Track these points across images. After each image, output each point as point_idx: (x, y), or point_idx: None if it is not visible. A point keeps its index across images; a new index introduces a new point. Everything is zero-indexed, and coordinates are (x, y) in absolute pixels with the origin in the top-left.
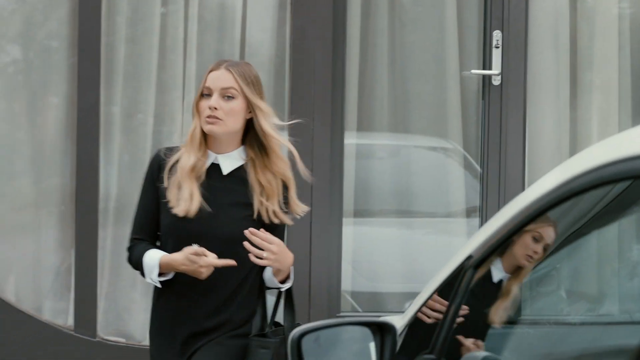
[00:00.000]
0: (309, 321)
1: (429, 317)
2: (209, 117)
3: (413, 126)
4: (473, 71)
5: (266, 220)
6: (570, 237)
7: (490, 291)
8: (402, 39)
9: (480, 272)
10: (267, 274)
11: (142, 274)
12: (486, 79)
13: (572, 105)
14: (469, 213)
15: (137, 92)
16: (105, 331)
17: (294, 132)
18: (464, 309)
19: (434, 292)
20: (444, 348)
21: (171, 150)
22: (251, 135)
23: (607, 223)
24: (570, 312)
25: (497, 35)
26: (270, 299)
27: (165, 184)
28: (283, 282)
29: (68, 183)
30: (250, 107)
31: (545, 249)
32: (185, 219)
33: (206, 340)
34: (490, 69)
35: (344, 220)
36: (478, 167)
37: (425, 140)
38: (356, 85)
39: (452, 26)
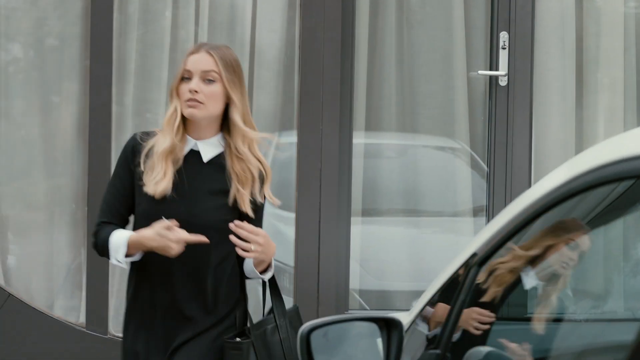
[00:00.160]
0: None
1: (476, 328)
2: (189, 100)
3: (421, 126)
4: (480, 72)
5: (242, 209)
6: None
7: (523, 297)
8: (410, 40)
9: (510, 278)
10: (248, 266)
11: (108, 256)
12: (493, 80)
13: (578, 105)
14: (475, 212)
15: (147, 91)
16: (117, 328)
17: (304, 133)
18: (490, 316)
19: (439, 290)
20: (449, 343)
21: (148, 134)
22: (229, 121)
23: (611, 221)
24: (576, 310)
25: (503, 36)
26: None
27: (142, 167)
28: (264, 272)
29: (80, 182)
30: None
31: (580, 256)
32: (162, 204)
33: (190, 333)
34: (497, 69)
35: (352, 219)
36: (485, 167)
37: (433, 140)
38: (364, 85)
39: (460, 27)
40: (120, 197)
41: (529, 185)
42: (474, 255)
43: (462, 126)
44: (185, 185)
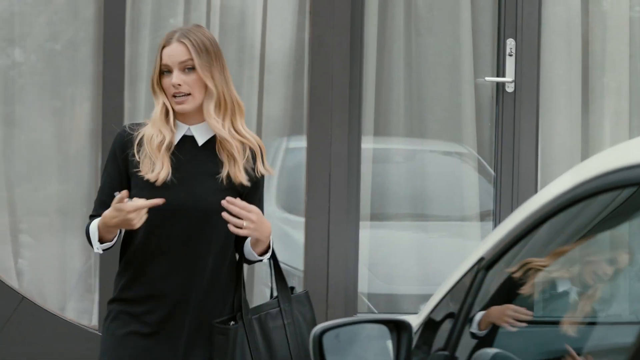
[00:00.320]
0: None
1: (513, 326)
2: (175, 95)
3: (428, 131)
4: (487, 78)
5: (237, 182)
6: (580, 240)
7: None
8: (418, 46)
9: (542, 277)
10: (247, 248)
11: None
12: (500, 86)
13: (585, 110)
14: (482, 217)
15: None
16: None
17: (313, 137)
18: (528, 314)
19: (447, 293)
20: (457, 345)
21: (138, 125)
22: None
23: (616, 227)
24: (581, 313)
25: (510, 43)
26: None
27: (137, 157)
28: (262, 254)
29: (91, 186)
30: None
31: (616, 272)
32: (161, 192)
33: (193, 320)
34: (503, 76)
35: (361, 223)
36: (492, 172)
37: (441, 145)
38: (373, 91)
39: (467, 34)
40: (110, 192)
41: (536, 190)
42: (481, 259)
43: (470, 131)
44: (183, 170)
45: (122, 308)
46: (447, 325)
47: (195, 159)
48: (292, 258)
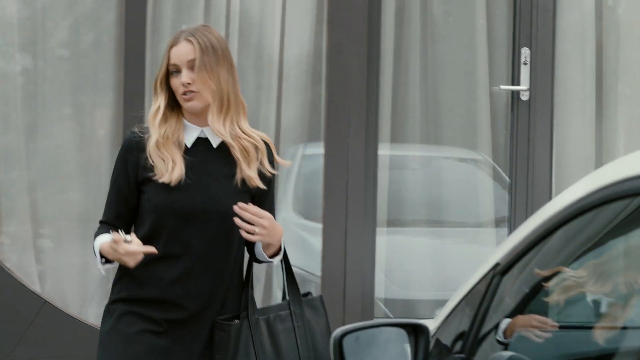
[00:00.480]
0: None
1: (538, 337)
2: (184, 93)
3: (444, 138)
4: (502, 87)
5: (252, 185)
6: (594, 246)
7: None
8: (434, 55)
9: (566, 287)
10: (258, 249)
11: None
12: (515, 94)
13: (598, 117)
14: (498, 223)
15: None
16: None
17: (331, 144)
18: (553, 324)
19: (463, 298)
20: (473, 349)
21: (144, 129)
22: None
23: (629, 233)
24: (597, 318)
25: (525, 52)
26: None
27: (150, 160)
28: (273, 256)
29: None
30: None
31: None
32: (176, 194)
33: (207, 320)
34: (518, 84)
35: (378, 229)
36: (507, 178)
37: (456, 152)
38: (390, 99)
39: (482, 43)
40: (119, 197)
41: (550, 197)
42: (496, 265)
43: (485, 138)
44: (198, 172)
45: (130, 308)
46: (463, 329)
47: (210, 161)
48: (309, 264)
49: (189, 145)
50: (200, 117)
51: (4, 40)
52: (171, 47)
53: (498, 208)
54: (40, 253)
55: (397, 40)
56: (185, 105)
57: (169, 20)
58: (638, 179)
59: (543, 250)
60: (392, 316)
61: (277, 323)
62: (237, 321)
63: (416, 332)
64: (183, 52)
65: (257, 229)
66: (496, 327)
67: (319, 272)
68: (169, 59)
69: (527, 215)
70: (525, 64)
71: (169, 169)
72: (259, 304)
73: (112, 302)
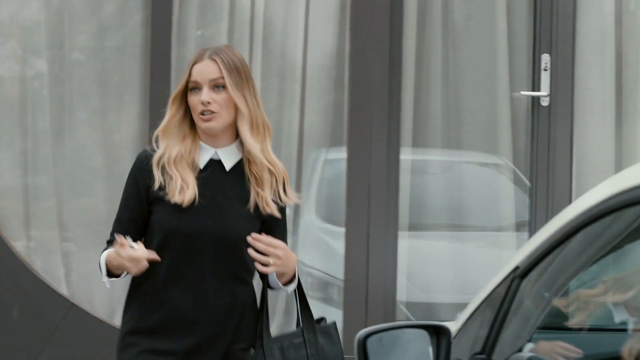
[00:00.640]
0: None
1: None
2: (203, 113)
3: (465, 143)
4: (523, 92)
5: (265, 212)
6: (613, 249)
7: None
8: (455, 61)
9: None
10: (272, 276)
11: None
12: (535, 100)
13: (618, 122)
14: (518, 227)
15: None
16: None
17: (353, 149)
18: (577, 352)
19: (484, 300)
20: (493, 350)
21: (155, 149)
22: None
23: None
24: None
25: (545, 58)
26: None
27: (162, 179)
28: (287, 283)
29: None
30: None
31: None
32: (187, 217)
33: (221, 347)
34: (539, 90)
35: (400, 233)
36: (528, 183)
37: (477, 156)
38: (411, 103)
39: (503, 49)
40: (129, 214)
41: (570, 201)
42: (516, 268)
43: (505, 143)
44: (210, 195)
45: (144, 344)
46: (483, 331)
47: (223, 184)
48: (332, 267)
49: (201, 167)
50: (215, 138)
51: (30, 44)
52: (194, 63)
53: (519, 212)
54: (66, 257)
55: (419, 45)
56: (203, 125)
57: (193, 27)
58: None
59: (562, 254)
60: (413, 319)
61: (291, 351)
62: (252, 350)
63: (438, 333)
64: (206, 70)
65: (271, 260)
66: (519, 349)
67: (341, 276)
68: (189, 75)
69: (547, 219)
70: (545, 70)
71: (179, 188)
72: (279, 327)
73: (126, 334)
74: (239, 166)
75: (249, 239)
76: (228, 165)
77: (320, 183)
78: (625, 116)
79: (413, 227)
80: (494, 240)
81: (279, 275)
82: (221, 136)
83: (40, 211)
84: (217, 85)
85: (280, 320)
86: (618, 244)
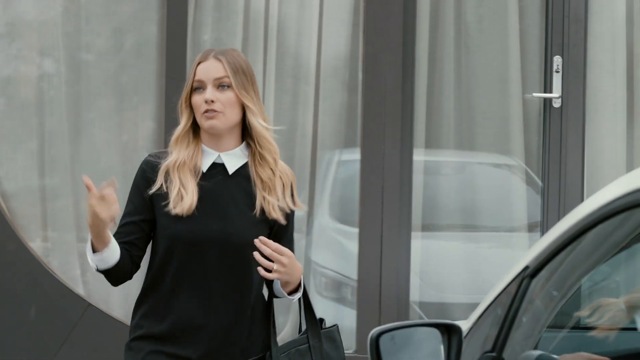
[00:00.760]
0: None
1: None
2: (206, 112)
3: (478, 144)
4: (535, 94)
5: (271, 216)
6: (623, 249)
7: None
8: (468, 63)
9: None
10: (277, 285)
11: (98, 269)
12: (547, 102)
13: (630, 123)
14: (531, 228)
15: None
16: None
17: (367, 150)
18: None
19: (494, 300)
20: (503, 348)
21: (163, 153)
22: (251, 128)
23: None
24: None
25: (557, 60)
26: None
27: (164, 187)
28: (292, 292)
29: None
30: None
31: None
32: (192, 224)
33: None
34: (551, 92)
35: (413, 233)
36: (540, 183)
37: (490, 157)
38: (424, 106)
39: (515, 51)
40: (130, 223)
41: (582, 201)
42: (526, 267)
43: (518, 145)
44: (214, 201)
45: (153, 347)
46: (494, 330)
47: (227, 188)
48: (346, 267)
49: (204, 170)
50: (218, 141)
51: (46, 45)
52: (198, 63)
53: (531, 213)
54: (83, 257)
55: (432, 48)
56: (206, 123)
57: (209, 27)
58: None
59: (572, 254)
60: (426, 319)
61: (297, 357)
62: None
63: (449, 332)
64: (211, 69)
65: (275, 266)
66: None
67: (355, 276)
68: (194, 74)
69: (559, 220)
70: (557, 72)
71: (176, 197)
72: (292, 330)
73: (133, 339)
74: (244, 170)
75: (256, 241)
76: (231, 168)
77: (334, 184)
78: (636, 117)
79: (426, 227)
80: (506, 241)
81: (283, 284)
82: (225, 139)
83: (56, 212)
84: (222, 85)
85: (293, 324)
86: (628, 244)
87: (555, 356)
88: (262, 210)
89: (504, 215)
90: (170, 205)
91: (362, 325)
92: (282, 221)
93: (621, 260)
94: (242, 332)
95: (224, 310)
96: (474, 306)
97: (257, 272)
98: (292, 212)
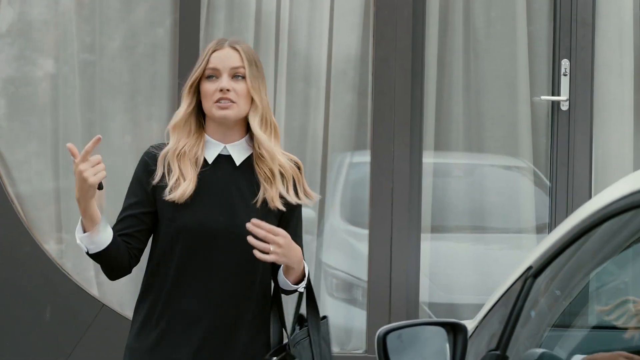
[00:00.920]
0: None
1: None
2: (219, 100)
3: (487, 146)
4: (543, 97)
5: (272, 206)
6: (627, 248)
7: None
8: (477, 67)
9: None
10: (281, 277)
11: (89, 254)
12: (555, 105)
13: (637, 126)
14: (540, 229)
15: None
16: None
17: (377, 153)
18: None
19: (499, 299)
20: (508, 346)
21: (162, 145)
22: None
23: None
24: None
25: (565, 63)
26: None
27: (167, 179)
28: (297, 282)
29: None
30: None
31: None
32: (198, 215)
33: (238, 355)
34: (559, 95)
35: (422, 235)
36: (548, 183)
37: (499, 159)
38: (433, 109)
39: (523, 55)
40: (130, 217)
41: None
42: (529, 267)
43: (526, 147)
44: (220, 192)
45: (156, 348)
46: (499, 328)
47: (234, 180)
48: (356, 268)
49: (209, 162)
50: (225, 132)
51: (61, 47)
52: (214, 50)
53: (540, 214)
54: None
55: (441, 52)
56: (218, 113)
57: (221, 29)
58: None
59: (577, 253)
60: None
61: (302, 351)
62: (282, 356)
63: (455, 330)
64: (228, 57)
65: (271, 247)
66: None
67: (365, 277)
68: (207, 62)
69: None
70: (565, 75)
71: (174, 184)
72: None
73: (134, 342)
74: (248, 162)
75: (248, 225)
76: (238, 160)
77: (345, 186)
78: None
79: (435, 229)
80: (515, 242)
81: (286, 272)
82: (231, 130)
83: (70, 214)
84: (237, 75)
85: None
86: (631, 244)
87: (558, 355)
88: (266, 202)
89: (513, 217)
90: (166, 191)
91: (372, 325)
92: (281, 207)
93: (628, 259)
94: (243, 327)
95: (226, 302)
96: (482, 307)
97: (262, 265)
98: (299, 206)
